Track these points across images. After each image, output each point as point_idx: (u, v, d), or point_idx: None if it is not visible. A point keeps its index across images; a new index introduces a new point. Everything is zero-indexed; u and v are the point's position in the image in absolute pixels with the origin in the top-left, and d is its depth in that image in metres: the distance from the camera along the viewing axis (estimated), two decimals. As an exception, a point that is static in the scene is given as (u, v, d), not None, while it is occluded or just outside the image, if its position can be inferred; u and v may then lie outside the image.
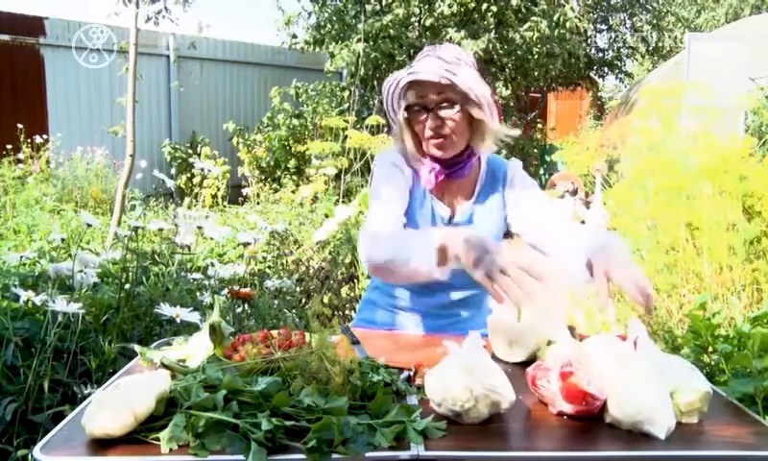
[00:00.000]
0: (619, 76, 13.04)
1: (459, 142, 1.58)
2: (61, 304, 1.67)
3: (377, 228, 1.53)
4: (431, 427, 1.04)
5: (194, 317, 1.74)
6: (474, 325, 1.69)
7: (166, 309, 1.71)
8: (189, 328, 1.82)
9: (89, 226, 2.05)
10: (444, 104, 1.53)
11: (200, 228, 2.10)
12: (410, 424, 1.03)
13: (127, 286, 2.05)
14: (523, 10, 8.23)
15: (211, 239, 2.12)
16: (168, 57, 8.56)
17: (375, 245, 1.44)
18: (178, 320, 1.72)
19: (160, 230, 2.18)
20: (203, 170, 6.26)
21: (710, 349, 1.81)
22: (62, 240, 3.07)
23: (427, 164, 1.61)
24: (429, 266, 1.32)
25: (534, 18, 8.07)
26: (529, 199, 1.66)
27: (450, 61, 1.54)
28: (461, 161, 1.62)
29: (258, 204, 6.82)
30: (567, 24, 8.20)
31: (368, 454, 0.97)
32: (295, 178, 7.87)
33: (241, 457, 0.94)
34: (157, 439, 0.98)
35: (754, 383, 1.58)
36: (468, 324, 1.70)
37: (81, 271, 2.00)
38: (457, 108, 1.54)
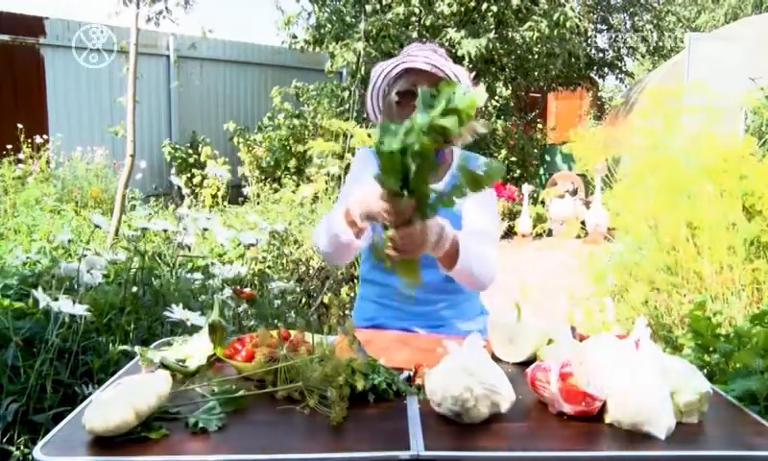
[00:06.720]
0: (619, 76, 13.06)
1: None
2: (68, 306, 1.66)
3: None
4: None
5: (201, 320, 1.71)
6: (454, 315, 1.72)
7: (177, 312, 1.65)
8: (191, 329, 1.81)
9: (98, 227, 2.05)
10: None
11: (205, 230, 2.09)
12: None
13: (134, 289, 2.05)
14: (523, 10, 8.22)
15: (205, 238, 2.12)
16: (168, 57, 8.55)
17: (316, 233, 1.60)
18: (188, 323, 1.67)
19: (165, 230, 2.18)
20: (207, 173, 6.24)
21: (711, 348, 1.82)
22: (69, 241, 3.06)
23: None
24: (343, 234, 1.40)
25: (534, 18, 8.06)
26: (468, 206, 1.66)
27: (445, 57, 1.63)
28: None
29: (258, 204, 6.81)
30: (567, 24, 8.19)
31: (368, 454, 0.97)
32: (295, 178, 7.86)
33: None
34: (158, 438, 0.98)
35: (757, 381, 1.58)
36: (446, 316, 1.72)
37: (89, 271, 2.00)
38: None
